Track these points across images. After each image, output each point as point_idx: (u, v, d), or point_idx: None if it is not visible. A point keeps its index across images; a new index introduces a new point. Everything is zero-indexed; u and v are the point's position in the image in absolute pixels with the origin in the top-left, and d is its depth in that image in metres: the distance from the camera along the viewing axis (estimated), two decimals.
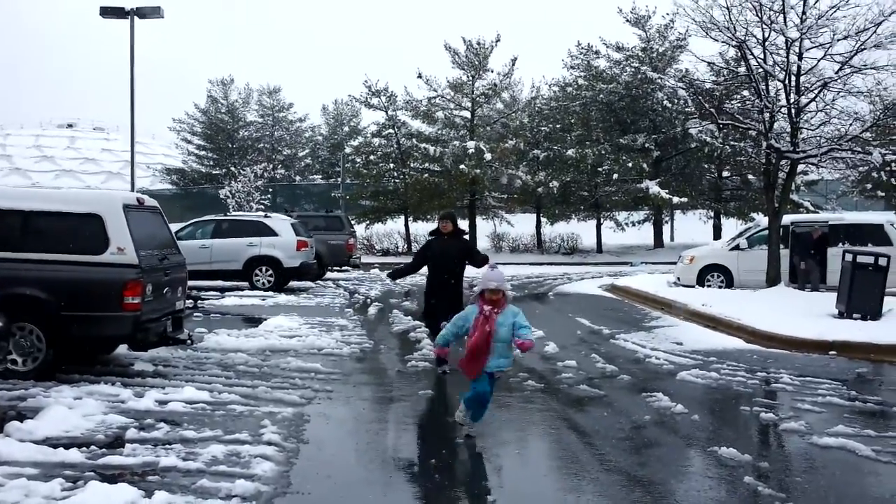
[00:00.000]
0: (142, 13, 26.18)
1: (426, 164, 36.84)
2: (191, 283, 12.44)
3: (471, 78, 36.33)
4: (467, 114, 37.24)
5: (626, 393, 8.40)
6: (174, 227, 15.25)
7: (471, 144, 34.48)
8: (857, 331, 11.72)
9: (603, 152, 33.98)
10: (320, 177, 57.56)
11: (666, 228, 39.40)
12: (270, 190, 45.22)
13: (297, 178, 56.70)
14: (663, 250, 35.05)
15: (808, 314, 13.22)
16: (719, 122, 18.93)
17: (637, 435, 6.89)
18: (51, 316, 8.26)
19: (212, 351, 10.27)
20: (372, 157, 38.03)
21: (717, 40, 17.43)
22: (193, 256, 16.92)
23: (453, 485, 5.71)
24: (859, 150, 17.03)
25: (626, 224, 37.53)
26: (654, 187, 32.76)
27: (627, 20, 36.09)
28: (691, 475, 5.88)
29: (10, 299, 8.23)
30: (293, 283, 20.04)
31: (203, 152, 55.53)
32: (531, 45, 56.86)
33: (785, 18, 16.32)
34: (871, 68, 16.31)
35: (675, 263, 20.83)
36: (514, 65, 36.72)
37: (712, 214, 37.29)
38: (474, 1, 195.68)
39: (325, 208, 29.73)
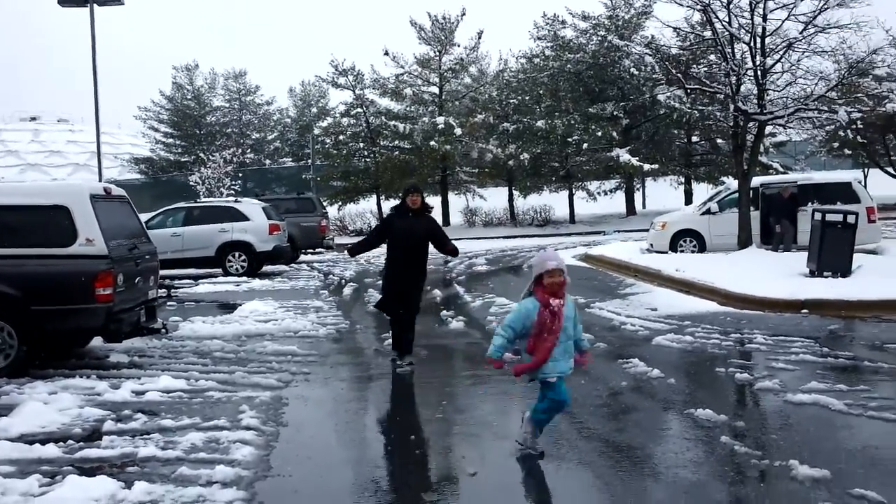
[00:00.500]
0: (101, 0, 25.75)
1: (396, 142, 36.75)
2: (164, 271, 12.37)
3: (438, 53, 36.23)
4: (435, 89, 37.16)
5: (602, 360, 8.45)
6: (144, 216, 15.19)
7: (440, 120, 34.42)
8: (829, 288, 11.86)
9: (572, 122, 34.01)
10: (290, 159, 57.15)
11: (637, 196, 39.55)
12: (240, 175, 44.88)
13: (267, 161, 56.30)
14: (636, 218, 35.22)
15: (780, 274, 13.36)
16: (687, 87, 18.96)
17: (615, 401, 6.95)
18: (21, 312, 8.13)
19: (187, 339, 10.21)
20: (341, 137, 37.88)
21: (682, 5, 17.54)
22: (165, 245, 16.85)
23: (434, 459, 5.74)
24: (825, 109, 17.16)
25: (598, 193, 37.59)
26: (624, 155, 32.84)
27: None
28: (669, 438, 5.95)
29: None
30: (267, 268, 19.98)
31: (171, 140, 55.04)
32: (498, 17, 56.46)
33: None
34: (835, 27, 16.43)
35: (647, 230, 20.94)
36: (480, 38, 36.66)
37: (683, 180, 37.57)
38: None
39: (296, 191, 29.48)
